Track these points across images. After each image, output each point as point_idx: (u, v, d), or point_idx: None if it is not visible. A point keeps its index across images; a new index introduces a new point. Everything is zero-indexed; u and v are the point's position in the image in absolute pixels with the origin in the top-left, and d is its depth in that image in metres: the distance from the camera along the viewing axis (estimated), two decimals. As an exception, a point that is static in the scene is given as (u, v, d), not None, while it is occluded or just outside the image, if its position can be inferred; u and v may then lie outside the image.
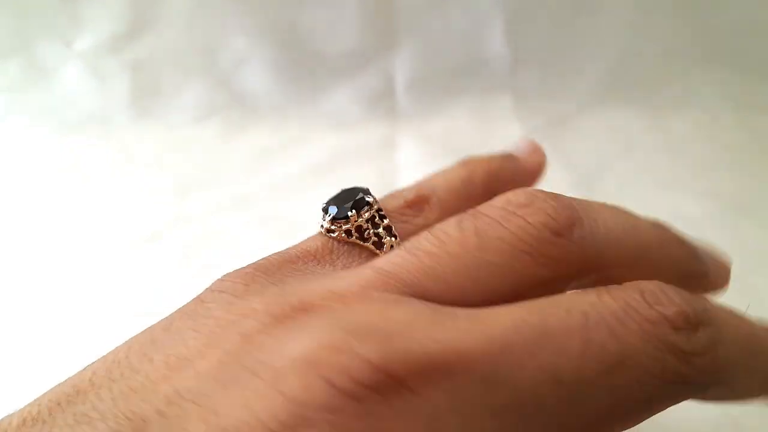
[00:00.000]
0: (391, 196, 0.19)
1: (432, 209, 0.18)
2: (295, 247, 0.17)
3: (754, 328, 0.14)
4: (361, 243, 0.17)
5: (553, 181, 0.40)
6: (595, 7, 0.48)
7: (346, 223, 0.17)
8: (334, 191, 0.18)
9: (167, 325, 0.14)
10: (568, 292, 0.13)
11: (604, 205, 0.16)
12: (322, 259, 0.17)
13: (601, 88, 0.48)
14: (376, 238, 0.17)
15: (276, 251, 0.17)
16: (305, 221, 0.37)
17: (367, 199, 0.18)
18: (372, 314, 0.12)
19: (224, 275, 0.15)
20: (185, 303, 0.15)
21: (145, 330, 0.14)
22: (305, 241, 0.17)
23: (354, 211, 0.17)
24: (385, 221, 0.17)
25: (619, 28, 0.48)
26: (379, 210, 0.18)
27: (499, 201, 0.15)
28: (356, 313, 0.12)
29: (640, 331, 0.12)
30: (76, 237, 0.36)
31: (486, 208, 0.14)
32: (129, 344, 0.14)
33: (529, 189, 0.15)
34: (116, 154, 0.45)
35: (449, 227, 0.14)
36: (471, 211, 0.15)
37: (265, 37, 0.49)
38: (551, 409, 0.11)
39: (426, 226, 0.15)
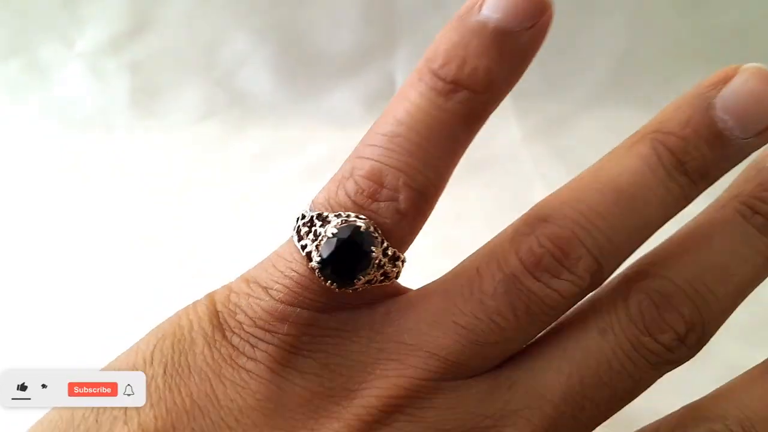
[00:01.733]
0: (346, 197, 0.16)
1: (395, 197, 0.15)
2: (282, 292, 0.15)
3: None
4: (370, 287, 0.15)
5: (554, 180, 0.40)
6: (595, 7, 0.48)
7: (354, 285, 0.15)
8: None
9: None
10: (587, 341, 0.15)
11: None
12: (332, 309, 0.15)
13: (601, 88, 0.48)
14: (382, 278, 0.15)
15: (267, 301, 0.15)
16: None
17: (372, 253, 0.15)
18: (455, 414, 0.14)
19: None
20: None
21: None
22: (297, 287, 0.15)
23: (362, 275, 0.15)
24: (390, 251, 0.15)
25: (619, 28, 0.48)
26: (386, 248, 0.15)
27: (530, 260, 0.15)
28: (441, 410, 0.14)
29: (642, 370, 0.15)
30: (76, 237, 0.36)
31: (527, 280, 0.15)
32: None
33: (557, 239, 0.15)
34: (116, 154, 0.45)
35: (505, 310, 0.15)
36: (515, 285, 0.15)
37: (265, 37, 0.49)
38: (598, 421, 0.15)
39: (394, 209, 0.15)
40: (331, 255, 0.14)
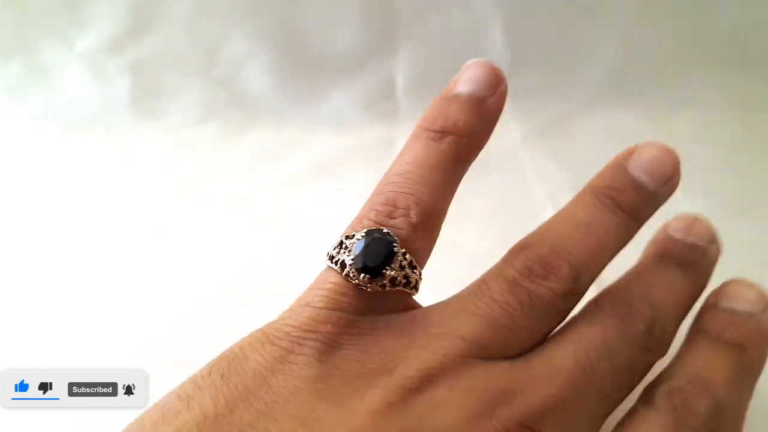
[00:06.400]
0: (373, 217, 0.19)
1: (407, 213, 0.19)
2: (323, 301, 0.17)
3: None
4: (396, 289, 0.18)
5: (553, 181, 0.40)
6: (594, 7, 0.48)
7: (383, 278, 0.18)
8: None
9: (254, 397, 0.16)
10: (580, 330, 0.19)
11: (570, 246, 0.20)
12: (366, 311, 0.18)
13: (600, 88, 0.48)
14: (404, 280, 0.18)
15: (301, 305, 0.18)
16: (305, 221, 0.37)
17: (395, 248, 0.18)
18: (487, 380, 0.16)
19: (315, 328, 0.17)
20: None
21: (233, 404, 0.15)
22: (335, 294, 0.18)
23: (388, 267, 0.18)
24: (408, 258, 0.18)
25: (619, 28, 0.48)
26: (404, 253, 0.18)
27: (524, 269, 0.19)
28: (475, 379, 0.16)
29: (630, 349, 0.18)
30: (76, 237, 0.36)
31: (525, 281, 0.19)
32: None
33: (542, 257, 0.19)
34: (117, 154, 0.45)
35: (512, 301, 0.18)
36: (517, 285, 0.18)
37: (265, 38, 0.49)
38: (612, 401, 0.18)
39: (412, 228, 0.19)
40: (361, 249, 0.18)
